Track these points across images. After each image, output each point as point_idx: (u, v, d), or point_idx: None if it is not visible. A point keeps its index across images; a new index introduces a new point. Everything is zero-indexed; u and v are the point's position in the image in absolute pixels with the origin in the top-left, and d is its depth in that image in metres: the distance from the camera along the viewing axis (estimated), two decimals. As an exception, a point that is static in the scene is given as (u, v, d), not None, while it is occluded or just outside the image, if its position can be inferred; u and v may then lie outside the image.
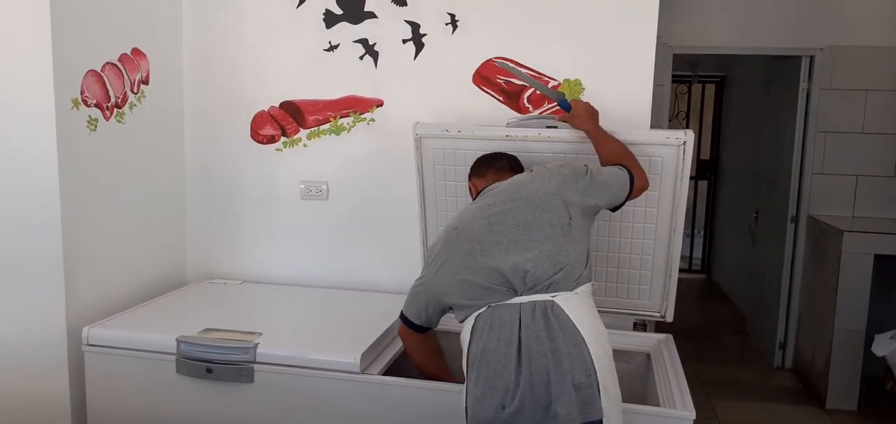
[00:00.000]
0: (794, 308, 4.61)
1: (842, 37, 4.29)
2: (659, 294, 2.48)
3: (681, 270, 8.10)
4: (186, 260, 3.05)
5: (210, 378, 2.15)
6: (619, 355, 2.01)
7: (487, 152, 2.27)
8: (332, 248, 2.94)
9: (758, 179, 5.39)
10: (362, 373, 2.08)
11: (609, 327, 1.92)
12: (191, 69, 2.94)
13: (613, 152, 2.16)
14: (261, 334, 2.22)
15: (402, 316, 2.10)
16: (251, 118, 2.92)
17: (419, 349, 2.14)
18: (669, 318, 2.49)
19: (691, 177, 7.41)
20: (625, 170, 2.05)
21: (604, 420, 1.73)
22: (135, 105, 2.62)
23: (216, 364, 2.14)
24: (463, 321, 1.93)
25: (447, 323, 2.10)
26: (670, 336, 2.50)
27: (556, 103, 2.43)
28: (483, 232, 1.91)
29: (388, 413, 2.07)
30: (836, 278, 3.92)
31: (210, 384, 2.16)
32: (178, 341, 2.18)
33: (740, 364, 4.78)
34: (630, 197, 2.06)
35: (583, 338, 1.78)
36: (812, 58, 4.36)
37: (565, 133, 2.36)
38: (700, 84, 7.25)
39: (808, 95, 4.41)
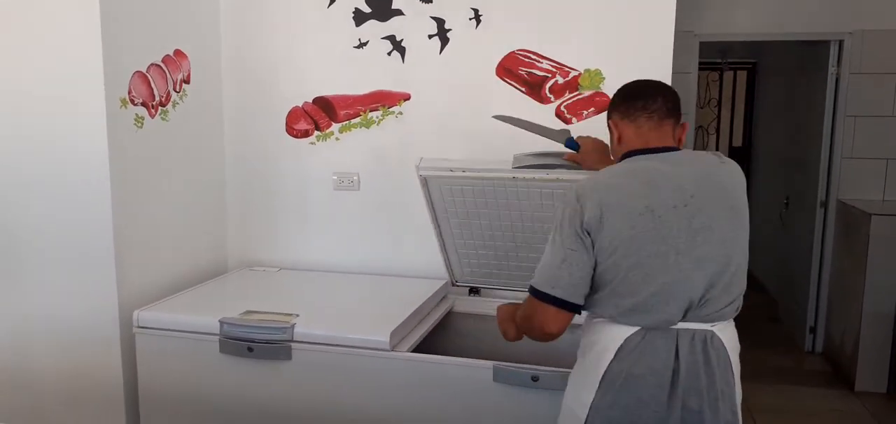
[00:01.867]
0: (823, 292, 4.62)
1: (870, 21, 4.28)
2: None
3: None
4: (227, 249, 3.22)
5: (251, 356, 2.30)
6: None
7: (634, 81, 1.81)
8: (363, 236, 3.07)
9: (788, 165, 5.38)
10: (392, 350, 2.21)
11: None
12: (228, 68, 3.10)
13: None
14: (298, 315, 2.36)
15: (556, 300, 1.63)
16: (286, 114, 3.06)
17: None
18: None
19: (723, 165, 7.42)
20: None
21: None
22: (177, 103, 2.79)
23: (257, 344, 2.29)
24: (594, 319, 1.71)
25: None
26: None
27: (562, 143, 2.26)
28: (684, 236, 1.57)
29: (417, 387, 2.19)
30: (865, 261, 3.93)
31: (251, 362, 2.31)
32: (221, 322, 2.33)
33: (772, 349, 4.79)
34: None
35: (734, 374, 1.64)
36: (841, 42, 4.36)
37: (576, 173, 2.19)
38: (731, 71, 7.22)
39: (837, 80, 4.41)
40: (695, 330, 1.60)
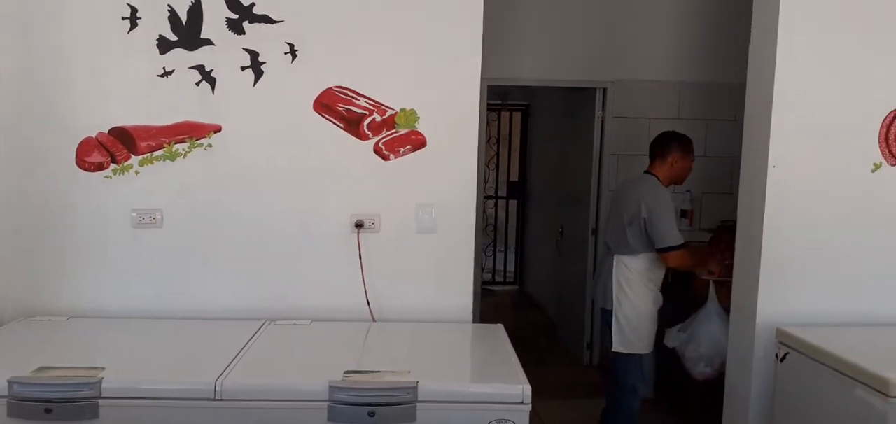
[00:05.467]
0: (597, 311, 5.16)
1: (628, 72, 4.93)
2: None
3: (495, 282, 8.62)
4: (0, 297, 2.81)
5: (49, 419, 2.04)
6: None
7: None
8: (169, 277, 2.85)
9: (561, 198, 5.95)
10: (219, 399, 2.08)
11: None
12: (4, 93, 2.73)
13: None
14: (104, 368, 2.14)
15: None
16: (76, 145, 2.77)
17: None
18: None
19: (502, 197, 8.02)
20: None
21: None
22: (-58, 131, 2.41)
23: (56, 403, 2.04)
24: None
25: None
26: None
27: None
28: (610, 215, 3.79)
29: (247, 435, 2.09)
30: (631, 282, 4.47)
31: (48, 425, 2.05)
32: (10, 382, 2.03)
33: (554, 365, 5.24)
34: None
35: (630, 281, 3.57)
36: (605, 90, 4.96)
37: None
38: (508, 112, 7.83)
39: (602, 122, 5.00)
40: (617, 256, 3.61)
